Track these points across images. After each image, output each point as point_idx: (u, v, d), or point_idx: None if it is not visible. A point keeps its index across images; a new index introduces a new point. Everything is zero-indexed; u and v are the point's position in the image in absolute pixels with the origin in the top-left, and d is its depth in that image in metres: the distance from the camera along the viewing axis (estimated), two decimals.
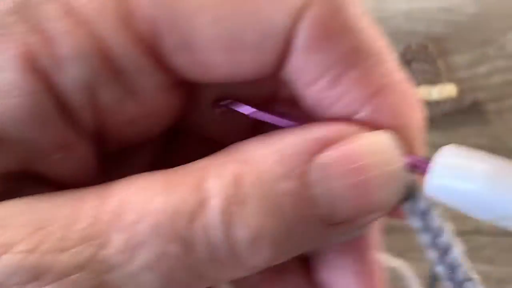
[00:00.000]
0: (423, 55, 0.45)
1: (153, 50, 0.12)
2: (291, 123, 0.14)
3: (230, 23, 0.12)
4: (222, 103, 0.15)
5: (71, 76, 0.11)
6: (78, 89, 0.11)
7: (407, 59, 0.45)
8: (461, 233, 0.46)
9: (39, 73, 0.11)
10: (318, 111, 0.13)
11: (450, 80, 0.45)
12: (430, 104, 0.44)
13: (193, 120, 0.15)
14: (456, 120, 0.45)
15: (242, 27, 0.12)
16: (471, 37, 0.45)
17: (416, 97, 0.15)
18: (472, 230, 0.45)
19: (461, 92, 0.44)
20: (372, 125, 0.13)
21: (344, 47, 0.12)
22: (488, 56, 0.45)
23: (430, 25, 0.45)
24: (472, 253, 0.46)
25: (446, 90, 0.44)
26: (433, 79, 0.45)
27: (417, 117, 0.15)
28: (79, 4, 0.11)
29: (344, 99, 0.13)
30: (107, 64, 0.11)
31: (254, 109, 0.14)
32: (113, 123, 0.13)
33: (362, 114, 0.13)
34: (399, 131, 0.14)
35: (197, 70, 0.12)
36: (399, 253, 0.45)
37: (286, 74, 0.13)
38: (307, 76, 0.13)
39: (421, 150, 0.15)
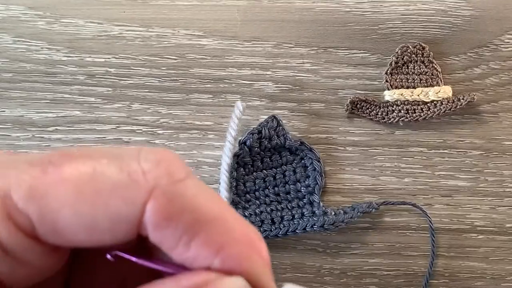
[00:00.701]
0: (420, 57, 0.45)
1: (30, 233, 0.16)
2: (171, 269, 0.17)
3: (86, 215, 0.16)
4: (108, 254, 0.18)
5: None
6: None
7: (404, 61, 0.45)
8: (458, 232, 0.47)
9: None
10: (186, 264, 0.17)
11: (446, 81, 0.45)
12: (427, 105, 0.45)
13: (84, 272, 0.20)
14: (452, 121, 0.45)
15: (96, 218, 0.16)
16: (466, 39, 0.45)
17: (256, 238, 0.18)
18: (469, 229, 0.45)
19: (457, 93, 0.45)
20: (228, 272, 0.17)
21: (185, 222, 0.16)
22: (483, 58, 0.45)
23: (426, 26, 0.45)
24: (469, 251, 0.47)
25: (442, 91, 0.45)
26: (430, 80, 0.45)
27: (258, 257, 0.17)
28: None
29: (199, 257, 0.17)
30: None
31: (138, 258, 0.18)
32: (12, 282, 0.17)
33: (217, 265, 0.17)
34: (247, 272, 0.17)
35: (67, 244, 0.16)
36: (393, 250, 0.45)
37: (150, 242, 0.17)
38: (165, 245, 0.17)
39: (269, 283, 0.18)
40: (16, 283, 0.17)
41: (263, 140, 0.43)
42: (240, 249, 0.17)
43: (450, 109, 0.44)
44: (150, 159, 0.16)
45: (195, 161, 0.45)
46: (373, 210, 0.44)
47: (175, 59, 0.45)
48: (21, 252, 0.16)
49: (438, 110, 0.44)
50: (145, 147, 0.17)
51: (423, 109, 0.45)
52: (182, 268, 0.17)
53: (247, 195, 0.44)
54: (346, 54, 0.45)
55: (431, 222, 0.44)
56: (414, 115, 0.45)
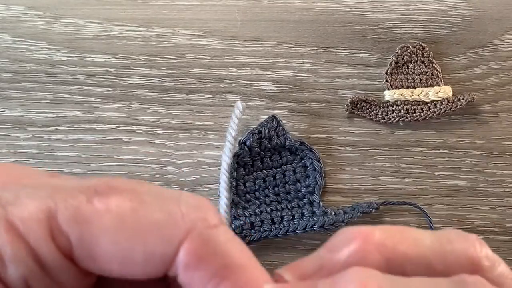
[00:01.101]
0: (420, 57, 0.45)
1: (69, 255, 0.17)
2: None
3: (124, 247, 0.17)
4: None
5: (12, 272, 0.16)
6: (18, 281, 0.16)
7: (404, 61, 0.45)
8: None
9: None
10: None
11: (446, 81, 0.45)
12: (427, 105, 0.45)
13: None
14: (452, 121, 0.45)
15: (133, 251, 0.17)
16: (466, 39, 0.45)
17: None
18: (469, 229, 0.45)
19: (457, 93, 0.45)
20: None
21: (216, 265, 0.17)
22: (483, 58, 0.45)
23: (426, 26, 0.45)
24: None
25: (442, 91, 0.45)
26: (430, 80, 0.45)
27: None
28: (17, 220, 0.16)
29: None
30: (38, 264, 0.17)
31: None
32: None
33: None
34: None
35: (98, 271, 0.17)
36: None
37: (179, 283, 0.18)
38: (194, 286, 0.17)
39: None
40: None
41: (263, 140, 0.43)
42: None
43: (450, 109, 0.44)
44: (190, 203, 0.18)
45: (195, 161, 0.45)
46: (373, 210, 0.44)
47: (175, 59, 0.45)
48: (57, 271, 0.17)
49: (438, 110, 0.44)
50: (186, 192, 0.18)
51: (423, 109, 0.45)
52: None
53: (247, 195, 0.44)
54: (346, 54, 0.45)
55: (431, 222, 0.44)
56: (414, 115, 0.45)
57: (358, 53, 0.45)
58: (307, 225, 0.43)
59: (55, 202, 0.17)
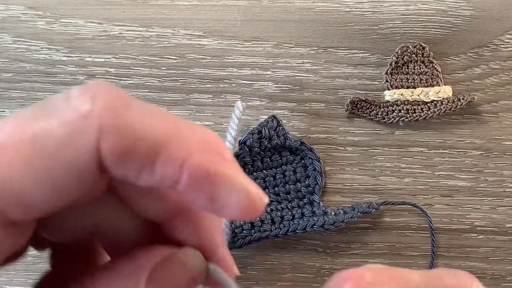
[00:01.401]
0: (420, 57, 0.45)
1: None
2: None
3: (42, 173, 0.16)
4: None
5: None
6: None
7: (404, 61, 0.45)
8: (458, 232, 0.47)
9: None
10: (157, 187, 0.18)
11: (446, 81, 0.45)
12: (427, 105, 0.45)
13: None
14: (452, 121, 0.45)
15: (52, 175, 0.16)
16: (466, 39, 0.45)
17: (213, 141, 0.18)
18: (469, 229, 0.45)
19: (457, 93, 0.45)
20: (198, 185, 0.17)
21: (143, 150, 0.16)
22: (483, 58, 0.45)
23: (426, 26, 0.45)
24: (469, 251, 0.47)
25: (442, 91, 0.45)
26: (430, 80, 0.45)
27: (221, 159, 0.18)
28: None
29: (166, 178, 0.17)
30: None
31: None
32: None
33: (185, 180, 0.17)
34: (216, 174, 0.17)
35: (34, 212, 0.17)
36: (393, 250, 0.45)
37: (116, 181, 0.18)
38: (131, 177, 0.17)
39: (238, 176, 0.18)
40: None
41: (263, 140, 0.43)
42: (201, 156, 0.17)
43: (450, 109, 0.44)
44: (84, 100, 0.16)
45: None
46: (373, 210, 0.44)
47: (175, 59, 0.45)
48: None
49: (438, 110, 0.44)
50: (73, 89, 0.17)
51: (423, 109, 0.45)
52: None
53: None
54: (346, 54, 0.45)
55: (431, 222, 0.44)
56: (414, 115, 0.45)
57: (358, 53, 0.45)
58: (307, 225, 0.43)
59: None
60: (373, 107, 0.45)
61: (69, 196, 0.17)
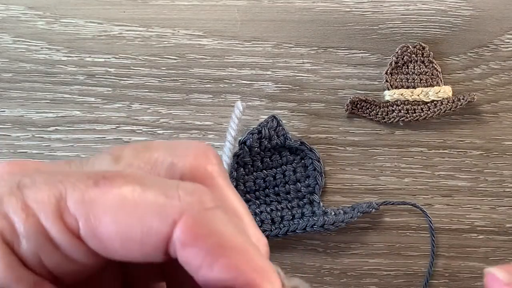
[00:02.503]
0: (420, 57, 0.45)
1: (77, 235, 0.18)
2: None
3: (122, 224, 0.18)
4: None
5: (25, 246, 0.18)
6: (31, 255, 0.19)
7: (404, 61, 0.45)
8: (458, 232, 0.47)
9: (7, 244, 0.18)
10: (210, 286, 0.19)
11: (446, 81, 0.45)
12: (427, 105, 0.45)
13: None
14: (452, 121, 0.45)
15: (131, 228, 0.18)
16: (466, 39, 0.45)
17: (271, 273, 0.19)
18: (469, 229, 0.45)
19: (457, 93, 0.45)
20: None
21: (210, 244, 0.18)
22: (483, 58, 0.45)
23: (426, 26, 0.45)
24: (469, 251, 0.47)
25: (442, 91, 0.45)
26: (430, 80, 0.45)
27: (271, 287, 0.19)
28: (31, 202, 0.18)
29: (221, 280, 0.18)
30: (48, 241, 0.18)
31: None
32: (60, 273, 0.19)
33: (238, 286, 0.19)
34: None
35: (107, 253, 0.19)
36: (393, 250, 0.45)
37: (180, 262, 0.19)
38: (191, 264, 0.18)
39: None
40: (66, 275, 0.20)
41: (263, 140, 0.43)
42: (255, 277, 0.18)
43: (450, 109, 0.44)
44: (187, 188, 0.19)
45: None
46: (373, 210, 0.44)
47: (175, 59, 0.45)
48: (67, 249, 0.19)
49: (438, 110, 0.44)
50: (186, 182, 0.19)
51: (423, 109, 0.45)
52: None
53: (247, 195, 0.44)
54: (346, 54, 0.45)
55: (431, 222, 0.44)
56: (414, 115, 0.45)
57: (358, 53, 0.45)
58: (307, 225, 0.43)
59: (65, 186, 0.18)
60: (373, 107, 0.45)
61: (131, 249, 0.19)
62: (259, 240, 0.21)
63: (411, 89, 0.45)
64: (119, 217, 0.18)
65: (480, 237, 0.45)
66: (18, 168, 0.20)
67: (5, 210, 0.18)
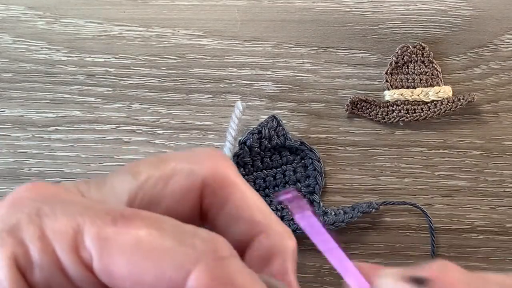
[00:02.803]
0: (420, 57, 0.45)
1: (91, 269, 0.19)
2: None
3: (136, 266, 0.18)
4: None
5: (38, 275, 0.19)
6: (43, 284, 0.19)
7: (404, 61, 0.45)
8: (458, 232, 0.47)
9: (20, 270, 0.18)
10: None
11: (446, 81, 0.45)
12: (427, 105, 0.45)
13: None
14: (452, 121, 0.45)
15: (144, 272, 0.18)
16: (466, 39, 0.45)
17: None
18: (469, 229, 0.45)
19: (457, 93, 0.45)
20: None
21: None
22: (483, 58, 0.45)
23: (426, 26, 0.45)
24: (469, 251, 0.47)
25: (442, 91, 0.45)
26: (430, 80, 0.45)
27: None
28: (48, 231, 0.18)
29: None
30: (61, 271, 0.19)
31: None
32: None
33: None
34: None
35: (114, 287, 0.19)
36: (393, 250, 0.45)
37: None
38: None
39: None
40: None
41: (263, 140, 0.43)
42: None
43: (450, 109, 0.44)
44: (204, 236, 0.19)
45: None
46: (373, 210, 0.44)
47: (175, 59, 0.45)
48: (79, 281, 0.19)
49: (438, 110, 0.44)
50: (204, 228, 0.20)
51: (423, 109, 0.45)
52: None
53: None
54: (346, 54, 0.45)
55: (431, 222, 0.44)
56: (414, 115, 0.45)
57: (358, 53, 0.45)
58: None
59: (84, 220, 0.19)
60: (373, 107, 0.45)
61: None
62: (284, 232, 0.22)
63: (411, 89, 0.45)
64: (133, 259, 0.18)
65: (480, 237, 0.45)
66: (38, 192, 0.20)
67: (22, 236, 0.18)
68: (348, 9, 0.45)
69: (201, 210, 0.22)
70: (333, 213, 0.44)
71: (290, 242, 0.23)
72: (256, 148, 0.44)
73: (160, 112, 0.45)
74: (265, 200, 0.44)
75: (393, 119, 0.45)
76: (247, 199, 0.22)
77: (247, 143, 0.43)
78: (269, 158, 0.45)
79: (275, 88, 0.45)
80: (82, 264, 0.19)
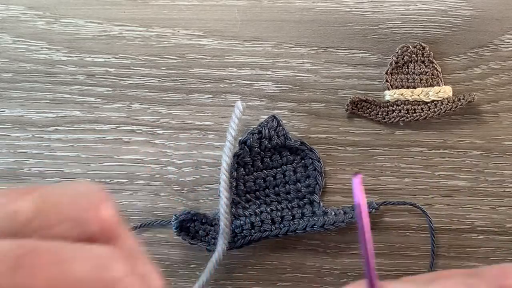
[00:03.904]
0: (420, 57, 0.45)
1: None
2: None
3: None
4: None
5: None
6: None
7: (404, 60, 0.45)
8: (458, 232, 0.47)
9: None
10: None
11: (446, 81, 0.45)
12: (427, 105, 0.45)
13: None
14: (452, 121, 0.45)
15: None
16: (466, 39, 0.45)
17: None
18: (469, 229, 0.45)
19: (457, 93, 0.45)
20: None
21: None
22: (483, 58, 0.45)
23: (426, 26, 0.45)
24: (469, 251, 0.47)
25: (442, 91, 0.45)
26: (430, 80, 0.45)
27: None
28: None
29: None
30: None
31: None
32: None
33: None
34: None
35: None
36: (393, 250, 0.45)
37: None
38: None
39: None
40: None
41: (263, 140, 0.43)
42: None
43: (450, 109, 0.44)
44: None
45: (195, 161, 0.45)
46: (373, 210, 0.44)
47: (175, 59, 0.45)
48: None
49: (438, 110, 0.44)
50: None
51: (423, 109, 0.45)
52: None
53: (247, 195, 0.44)
54: (346, 54, 0.45)
55: (431, 222, 0.44)
56: (414, 115, 0.45)
57: (358, 53, 0.45)
58: (307, 225, 0.43)
59: None
60: (373, 107, 0.45)
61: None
62: (151, 274, 0.22)
63: (411, 89, 0.45)
64: None
65: (480, 237, 0.45)
66: None
67: None
68: (348, 9, 0.45)
69: None
70: (333, 213, 0.44)
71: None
72: (256, 148, 0.44)
73: (160, 112, 0.45)
74: (265, 200, 0.44)
75: (393, 119, 0.45)
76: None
77: (247, 143, 0.43)
78: (269, 158, 0.45)
79: (275, 88, 0.45)
80: None
